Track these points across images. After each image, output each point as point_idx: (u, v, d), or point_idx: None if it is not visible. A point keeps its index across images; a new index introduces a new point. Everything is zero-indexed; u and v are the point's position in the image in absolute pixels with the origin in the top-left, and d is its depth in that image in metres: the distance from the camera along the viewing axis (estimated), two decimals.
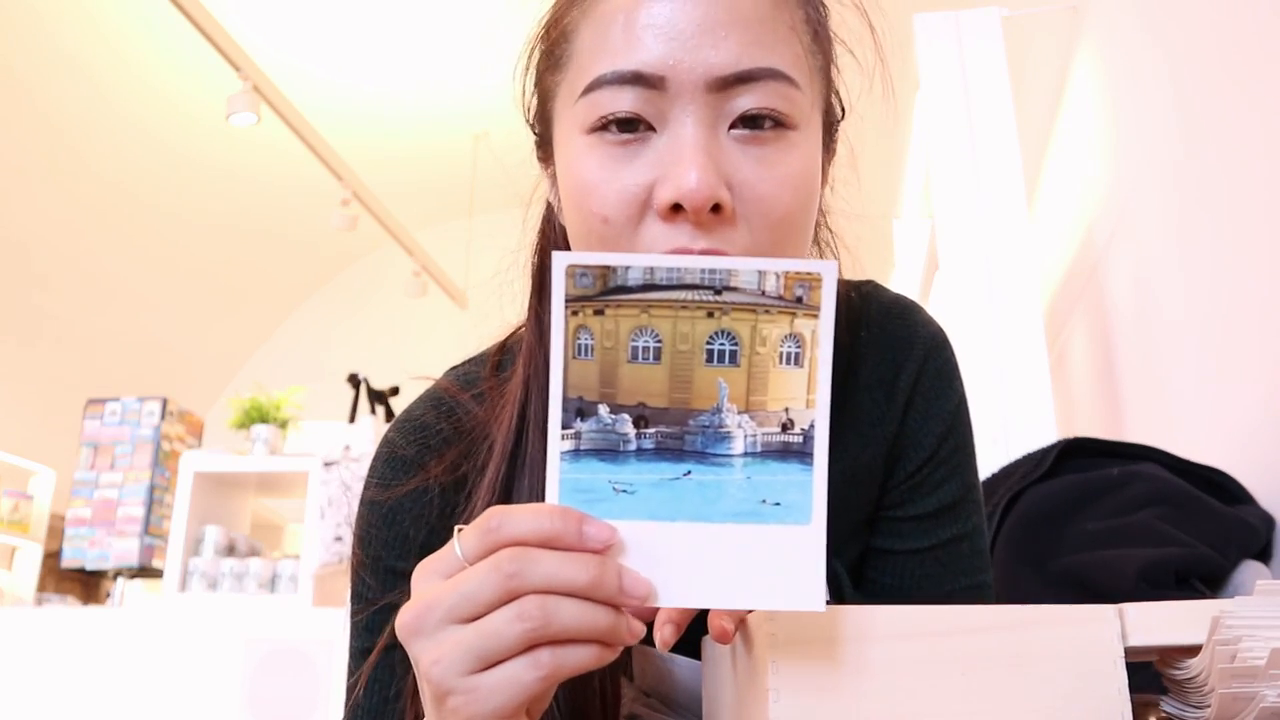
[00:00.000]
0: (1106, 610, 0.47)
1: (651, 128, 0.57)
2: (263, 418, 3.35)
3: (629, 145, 0.58)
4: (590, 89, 0.58)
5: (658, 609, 0.52)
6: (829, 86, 0.65)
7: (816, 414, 0.44)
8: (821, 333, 0.44)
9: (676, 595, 0.44)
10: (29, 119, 4.91)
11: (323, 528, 3.03)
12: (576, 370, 0.44)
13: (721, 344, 0.43)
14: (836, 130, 0.68)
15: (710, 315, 0.43)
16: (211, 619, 2.90)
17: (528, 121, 0.70)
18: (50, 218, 5.37)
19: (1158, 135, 1.72)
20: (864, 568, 0.75)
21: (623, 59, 0.57)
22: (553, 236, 0.72)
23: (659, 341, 0.43)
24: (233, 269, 6.39)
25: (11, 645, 2.90)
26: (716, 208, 0.56)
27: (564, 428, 0.44)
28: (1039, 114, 2.51)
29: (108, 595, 3.65)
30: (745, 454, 0.44)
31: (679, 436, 0.44)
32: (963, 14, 2.16)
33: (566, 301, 0.43)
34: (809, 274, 0.43)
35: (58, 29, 4.56)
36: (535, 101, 0.68)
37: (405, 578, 0.69)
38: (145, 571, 3.57)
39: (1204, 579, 1.18)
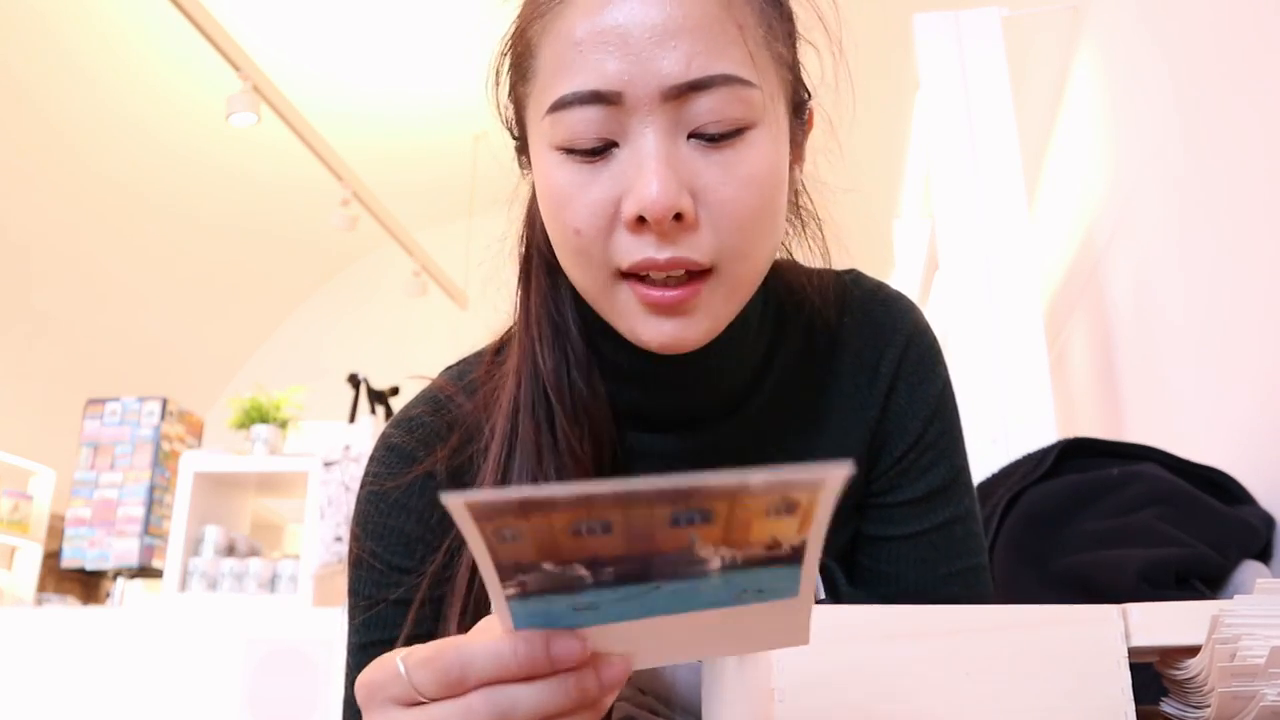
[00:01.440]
0: (1110, 610, 0.48)
1: (615, 143, 0.59)
2: (263, 418, 3.35)
3: (595, 161, 0.60)
4: (554, 109, 0.60)
5: None
6: (792, 70, 0.66)
7: (809, 535, 0.35)
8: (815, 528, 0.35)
9: (656, 655, 0.41)
10: (29, 119, 4.90)
11: (323, 528, 3.03)
12: (505, 552, 0.34)
13: (690, 515, 0.34)
14: (806, 109, 0.69)
15: (673, 504, 0.33)
16: (211, 619, 2.90)
17: (507, 128, 0.72)
18: (50, 218, 5.37)
19: (1158, 135, 1.72)
20: (857, 555, 0.76)
21: (580, 78, 0.58)
22: (536, 230, 0.73)
23: (607, 525, 0.34)
24: (233, 269, 6.39)
25: (11, 645, 2.90)
26: (679, 216, 0.58)
27: (503, 580, 0.35)
28: (1039, 114, 2.51)
29: (108, 595, 3.65)
30: (724, 568, 0.36)
31: (644, 569, 0.35)
32: (963, 14, 2.16)
33: (475, 520, 0.33)
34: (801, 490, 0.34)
35: (58, 29, 4.56)
36: (511, 110, 0.69)
37: (404, 573, 0.70)
38: (145, 571, 3.57)
39: (1204, 579, 1.18)
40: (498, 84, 0.70)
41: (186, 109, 5.08)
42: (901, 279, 3.30)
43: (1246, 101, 1.36)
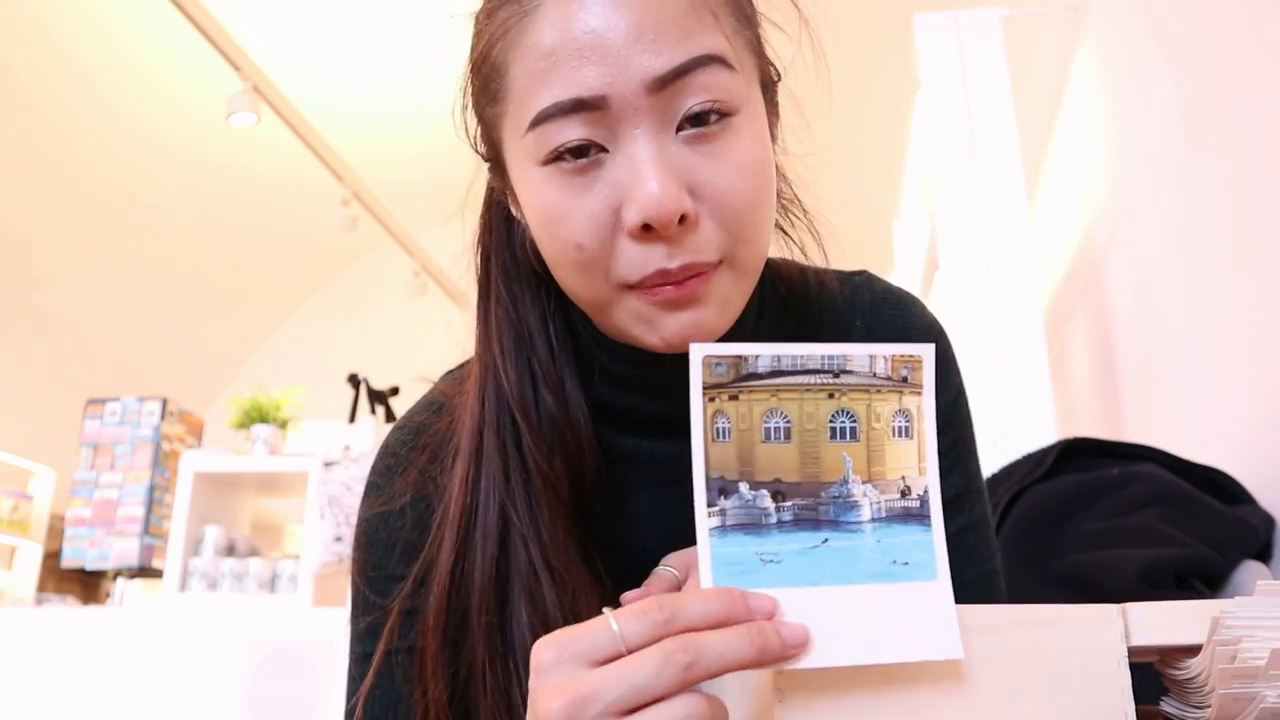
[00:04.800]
0: (1110, 610, 0.48)
1: (603, 149, 0.58)
2: (263, 418, 3.34)
3: (586, 172, 0.58)
4: (536, 123, 0.58)
5: None
6: (761, 56, 0.66)
7: (928, 480, 0.49)
8: (925, 407, 0.50)
9: (828, 654, 0.46)
10: (29, 119, 4.90)
11: (323, 528, 3.03)
12: (716, 452, 0.48)
13: (842, 422, 0.49)
14: (774, 93, 0.68)
15: (831, 396, 0.49)
16: (211, 619, 2.90)
17: (475, 149, 0.70)
18: (50, 218, 5.37)
19: (1158, 135, 1.72)
20: None
21: (559, 88, 0.57)
22: (494, 239, 0.72)
23: (788, 422, 0.48)
24: (233, 269, 6.39)
25: (11, 645, 2.90)
26: (683, 218, 0.57)
27: (709, 505, 0.48)
28: (1039, 114, 2.51)
29: (108, 595, 3.65)
30: (873, 519, 0.48)
31: (814, 508, 0.48)
32: (963, 14, 2.16)
33: (704, 389, 0.48)
34: (912, 356, 0.50)
35: (58, 29, 4.55)
36: (479, 129, 0.68)
37: (406, 581, 0.69)
38: (145, 571, 3.57)
39: (1204, 579, 1.18)
40: (465, 110, 0.68)
41: (186, 109, 5.08)
42: (901, 279, 3.30)
43: (1246, 101, 1.36)
